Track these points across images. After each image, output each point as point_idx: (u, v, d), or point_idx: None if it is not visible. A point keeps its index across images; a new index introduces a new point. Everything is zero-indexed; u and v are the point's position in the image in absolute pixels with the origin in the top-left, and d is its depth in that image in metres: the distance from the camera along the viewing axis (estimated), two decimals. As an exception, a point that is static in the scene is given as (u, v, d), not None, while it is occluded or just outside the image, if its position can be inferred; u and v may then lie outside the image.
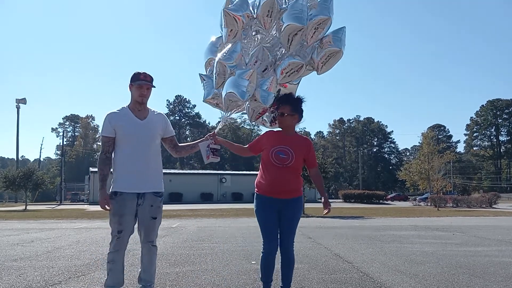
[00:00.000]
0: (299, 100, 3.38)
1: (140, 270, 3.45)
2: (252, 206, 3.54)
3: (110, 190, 3.31)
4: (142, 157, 3.30)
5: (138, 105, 3.36)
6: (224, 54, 3.40)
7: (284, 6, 3.30)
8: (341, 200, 48.57)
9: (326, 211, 3.35)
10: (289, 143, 3.31)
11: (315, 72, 3.47)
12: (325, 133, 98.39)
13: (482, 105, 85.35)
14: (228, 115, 3.57)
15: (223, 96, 3.35)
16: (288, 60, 3.26)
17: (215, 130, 3.68)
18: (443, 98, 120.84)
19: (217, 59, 3.45)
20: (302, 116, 3.42)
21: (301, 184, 3.45)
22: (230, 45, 3.44)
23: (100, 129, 3.38)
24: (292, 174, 3.30)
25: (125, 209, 3.27)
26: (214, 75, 3.49)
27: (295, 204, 3.36)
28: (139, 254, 6.39)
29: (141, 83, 3.31)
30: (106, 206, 3.23)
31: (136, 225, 3.39)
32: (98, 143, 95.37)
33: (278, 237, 3.38)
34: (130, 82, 3.35)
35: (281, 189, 3.27)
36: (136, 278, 4.42)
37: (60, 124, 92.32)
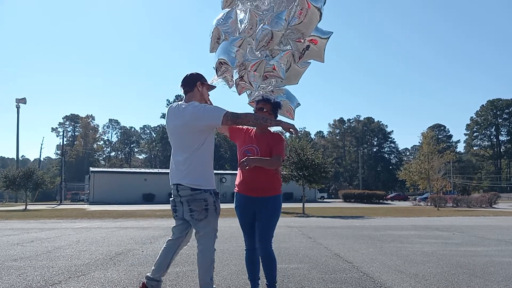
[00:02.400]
0: (278, 105, 3.49)
1: (168, 264, 3.36)
2: None
3: (215, 188, 3.22)
4: None
5: None
6: (221, 20, 3.55)
7: None
8: (341, 200, 48.64)
9: (241, 163, 3.18)
10: (257, 141, 3.39)
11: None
12: (325, 133, 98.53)
13: (482, 105, 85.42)
14: (219, 77, 3.61)
15: (216, 59, 3.46)
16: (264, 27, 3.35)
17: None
18: (443, 98, 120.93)
19: (213, 24, 3.58)
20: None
21: (276, 182, 3.40)
22: (226, 10, 3.60)
23: (216, 110, 3.13)
24: (261, 171, 3.30)
25: None
26: (209, 38, 3.64)
27: (269, 202, 3.33)
28: (139, 254, 6.41)
29: (210, 84, 3.42)
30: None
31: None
32: (98, 143, 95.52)
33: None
34: (200, 80, 3.30)
35: (251, 186, 3.30)
36: (135, 278, 4.43)
37: (60, 123, 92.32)
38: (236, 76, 3.49)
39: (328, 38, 3.58)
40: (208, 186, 3.16)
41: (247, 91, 3.67)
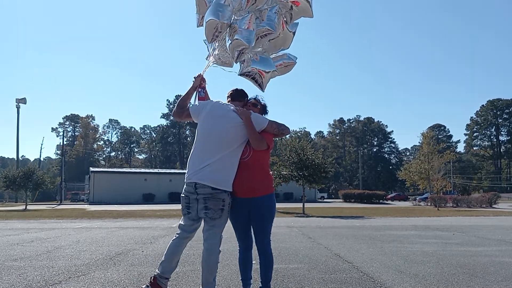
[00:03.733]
0: (265, 108, 3.66)
1: (178, 261, 3.43)
2: None
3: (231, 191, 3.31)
4: None
5: None
6: None
7: None
8: (341, 200, 48.64)
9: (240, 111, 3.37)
10: None
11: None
12: (325, 133, 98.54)
13: (482, 105, 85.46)
14: (211, 58, 3.71)
15: (204, 26, 3.59)
16: None
17: (202, 72, 3.79)
18: (443, 98, 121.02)
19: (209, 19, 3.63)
20: None
21: (267, 181, 3.40)
22: None
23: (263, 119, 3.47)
24: (253, 170, 3.30)
25: None
26: (196, 10, 3.79)
27: (263, 203, 3.32)
28: (139, 254, 6.41)
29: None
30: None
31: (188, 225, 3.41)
32: (98, 143, 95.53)
33: (251, 235, 3.43)
34: (248, 99, 3.65)
35: (244, 187, 3.28)
36: (135, 278, 4.43)
37: (60, 123, 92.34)
38: (228, 41, 3.57)
39: None
40: (229, 187, 3.25)
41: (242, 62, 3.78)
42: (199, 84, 3.72)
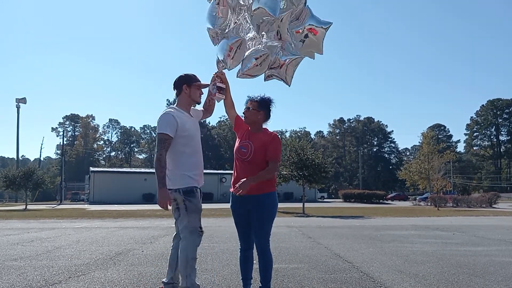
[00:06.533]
0: (268, 100, 3.46)
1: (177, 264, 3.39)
2: None
3: (187, 186, 3.25)
4: (201, 154, 3.46)
5: (191, 106, 3.49)
6: (211, 17, 3.66)
7: None
8: (341, 200, 48.65)
9: (235, 188, 3.22)
10: (252, 138, 3.41)
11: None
12: (325, 133, 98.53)
13: (482, 105, 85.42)
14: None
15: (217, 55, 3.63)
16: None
17: (221, 69, 3.69)
18: (443, 98, 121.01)
19: (207, 24, 3.66)
20: (269, 116, 3.49)
21: (270, 181, 3.38)
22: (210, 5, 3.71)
23: (159, 126, 3.27)
24: (254, 169, 3.29)
25: (200, 204, 3.37)
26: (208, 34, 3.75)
27: (264, 200, 3.31)
28: (139, 254, 6.41)
29: (200, 83, 3.46)
30: (168, 205, 3.19)
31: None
32: (98, 143, 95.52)
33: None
34: (186, 83, 3.40)
35: None
36: (135, 278, 4.43)
37: (60, 123, 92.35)
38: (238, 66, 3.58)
39: (328, 28, 3.50)
40: (175, 185, 3.24)
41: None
42: (213, 80, 3.60)
